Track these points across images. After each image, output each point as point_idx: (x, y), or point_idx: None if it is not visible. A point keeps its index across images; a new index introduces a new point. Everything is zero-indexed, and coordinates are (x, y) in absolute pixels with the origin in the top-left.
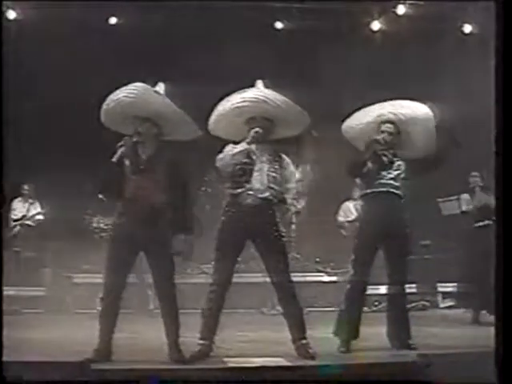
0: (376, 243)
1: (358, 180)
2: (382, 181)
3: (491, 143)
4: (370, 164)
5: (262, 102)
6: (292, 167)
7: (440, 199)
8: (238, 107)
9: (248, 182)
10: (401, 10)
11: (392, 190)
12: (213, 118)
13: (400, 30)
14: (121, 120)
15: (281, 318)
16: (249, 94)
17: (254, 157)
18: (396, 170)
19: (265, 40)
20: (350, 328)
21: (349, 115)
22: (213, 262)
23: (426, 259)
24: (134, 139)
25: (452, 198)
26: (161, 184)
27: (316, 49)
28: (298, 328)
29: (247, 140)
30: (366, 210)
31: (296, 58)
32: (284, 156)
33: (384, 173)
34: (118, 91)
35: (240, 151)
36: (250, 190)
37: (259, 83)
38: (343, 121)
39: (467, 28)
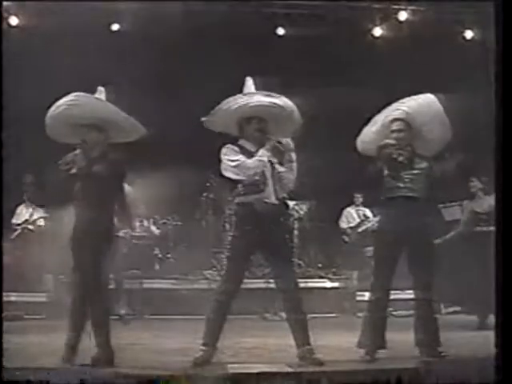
0: (396, 251)
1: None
2: (401, 184)
3: (491, 149)
4: (386, 170)
5: (282, 109)
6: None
7: (442, 205)
8: (250, 107)
9: (261, 189)
10: (402, 16)
11: (410, 194)
12: (217, 111)
13: (402, 36)
14: (66, 131)
15: (283, 323)
16: (265, 99)
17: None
18: (415, 170)
19: (266, 46)
20: (375, 337)
21: (359, 131)
22: (219, 269)
23: None
24: (81, 148)
25: (454, 203)
26: (106, 187)
27: (318, 55)
28: (303, 334)
29: (267, 146)
30: (383, 217)
31: (297, 65)
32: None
33: (402, 175)
34: (57, 103)
35: (264, 160)
36: (265, 197)
37: (249, 81)
38: (355, 138)
39: (468, 34)
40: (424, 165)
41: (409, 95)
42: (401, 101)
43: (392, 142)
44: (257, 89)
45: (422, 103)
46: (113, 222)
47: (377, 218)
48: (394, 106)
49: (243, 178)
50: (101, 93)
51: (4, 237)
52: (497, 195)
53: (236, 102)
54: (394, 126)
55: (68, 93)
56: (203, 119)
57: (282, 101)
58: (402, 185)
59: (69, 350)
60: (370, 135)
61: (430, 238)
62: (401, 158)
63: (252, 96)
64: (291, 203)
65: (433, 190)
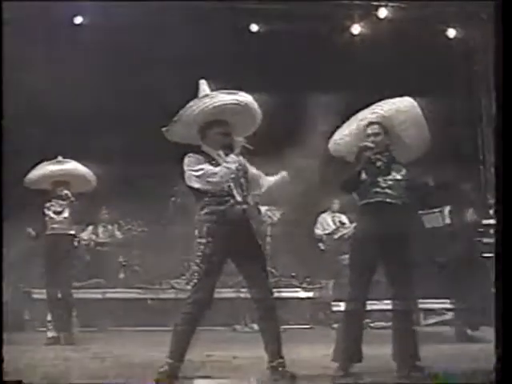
0: (373, 258)
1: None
2: (378, 189)
3: (476, 151)
4: (364, 174)
5: (243, 107)
6: (253, 169)
7: (422, 212)
8: (213, 109)
9: (230, 195)
10: (382, 13)
11: (388, 199)
12: (178, 120)
13: (381, 34)
14: None
15: (254, 335)
16: (228, 97)
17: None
18: (393, 175)
19: (239, 43)
20: (351, 350)
21: (332, 133)
22: (189, 279)
23: None
24: None
25: (435, 210)
26: None
27: (292, 53)
28: (276, 346)
29: (236, 152)
30: (361, 223)
31: (271, 63)
32: (243, 159)
33: (380, 180)
34: None
35: (236, 167)
36: (234, 203)
37: (203, 84)
38: (328, 139)
39: (451, 32)
40: (403, 172)
41: (388, 96)
42: (377, 103)
43: (371, 144)
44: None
45: (401, 107)
46: None
47: (353, 225)
48: (370, 108)
49: (209, 188)
50: None
51: None
52: (497, 198)
53: (197, 106)
54: (370, 130)
55: None
56: (163, 129)
57: (243, 97)
58: (379, 190)
59: None
60: (344, 138)
61: (408, 246)
62: (379, 163)
63: (212, 97)
64: (263, 208)
65: (412, 197)
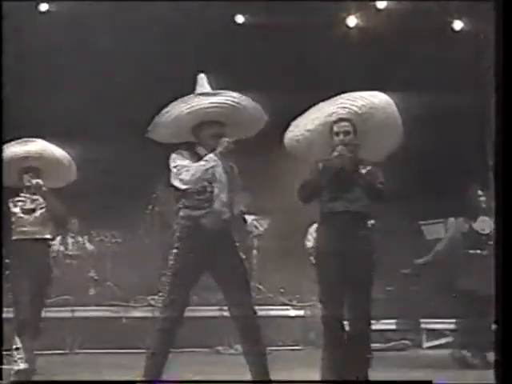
0: (340, 272)
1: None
2: (340, 195)
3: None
4: (324, 182)
5: (233, 108)
6: (240, 179)
7: (423, 222)
8: (201, 111)
9: (209, 201)
10: (381, 3)
11: (352, 208)
12: (162, 120)
13: (380, 27)
14: None
15: (239, 358)
16: (218, 98)
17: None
18: (357, 181)
19: (223, 35)
20: (334, 373)
21: (289, 124)
22: (162, 294)
23: (408, 291)
24: None
25: (437, 221)
26: None
27: (282, 47)
28: (262, 370)
29: (217, 151)
30: (325, 235)
31: (257, 57)
32: (233, 165)
33: (343, 186)
34: None
35: (213, 165)
36: (213, 211)
37: (203, 78)
38: (284, 132)
39: (458, 24)
40: (363, 175)
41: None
42: (344, 97)
43: (345, 148)
44: (211, 85)
45: (376, 103)
46: None
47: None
48: (337, 102)
49: (185, 186)
50: None
51: None
52: (497, 202)
53: (179, 108)
54: (339, 128)
55: None
56: (148, 130)
57: (235, 98)
58: (344, 197)
59: None
60: (305, 134)
61: (372, 262)
62: (348, 167)
63: (197, 98)
64: (250, 218)
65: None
